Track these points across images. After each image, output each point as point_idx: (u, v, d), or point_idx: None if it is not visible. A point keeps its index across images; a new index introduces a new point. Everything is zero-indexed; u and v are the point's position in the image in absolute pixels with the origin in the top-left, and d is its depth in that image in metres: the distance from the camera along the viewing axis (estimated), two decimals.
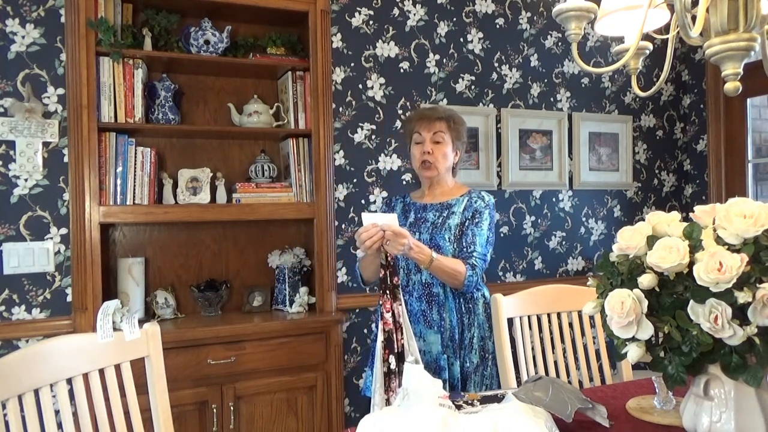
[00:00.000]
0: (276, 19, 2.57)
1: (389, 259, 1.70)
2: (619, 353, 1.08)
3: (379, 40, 2.88)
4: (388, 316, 1.63)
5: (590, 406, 1.27)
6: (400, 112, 2.91)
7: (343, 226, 2.79)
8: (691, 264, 1.00)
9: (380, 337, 1.63)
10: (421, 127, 1.99)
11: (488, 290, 2.01)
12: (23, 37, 2.27)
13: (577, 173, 3.34)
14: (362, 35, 2.85)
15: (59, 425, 1.25)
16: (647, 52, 1.39)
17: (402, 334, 1.63)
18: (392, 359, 1.60)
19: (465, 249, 1.88)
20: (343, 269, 2.77)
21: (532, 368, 1.80)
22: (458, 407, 1.28)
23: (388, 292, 1.66)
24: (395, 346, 1.61)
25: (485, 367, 1.93)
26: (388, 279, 1.68)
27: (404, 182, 2.90)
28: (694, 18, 1.09)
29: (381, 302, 1.67)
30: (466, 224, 1.92)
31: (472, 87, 3.08)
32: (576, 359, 1.87)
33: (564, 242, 3.31)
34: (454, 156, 2.02)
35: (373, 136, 2.86)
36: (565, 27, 1.23)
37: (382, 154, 2.88)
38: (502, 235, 3.15)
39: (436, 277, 1.86)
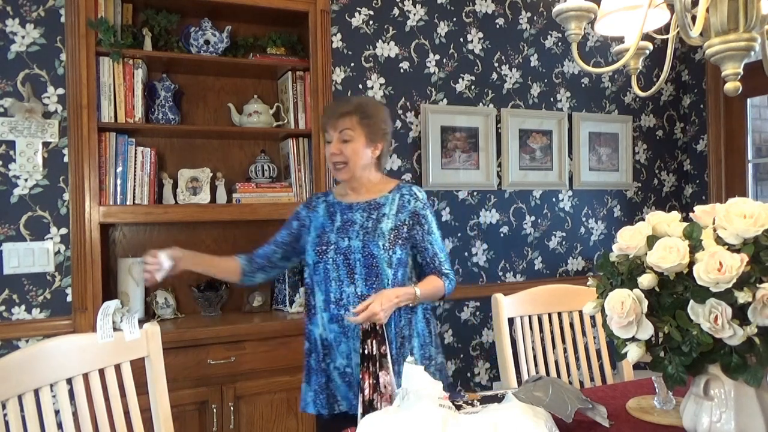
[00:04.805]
0: (276, 19, 2.57)
1: (377, 327, 1.60)
2: (619, 353, 1.08)
3: (379, 40, 2.88)
4: (366, 391, 1.56)
5: (590, 406, 1.27)
6: (400, 112, 2.91)
7: None
8: (691, 264, 1.00)
9: (360, 409, 1.54)
10: (328, 124, 1.79)
11: None
12: (23, 37, 2.27)
13: (577, 173, 3.34)
14: (362, 35, 2.84)
15: (59, 425, 1.25)
16: (647, 52, 1.39)
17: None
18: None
19: (431, 263, 1.78)
20: None
21: (533, 368, 1.80)
22: (458, 407, 1.28)
23: (369, 363, 1.57)
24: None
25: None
26: (375, 349, 1.58)
27: (404, 182, 2.89)
28: (694, 18, 1.09)
29: (360, 376, 1.57)
30: (416, 235, 1.77)
31: (472, 87, 3.08)
32: (576, 359, 1.87)
33: (564, 242, 3.31)
34: (371, 150, 1.79)
35: None
36: (565, 27, 1.23)
37: None
38: (502, 235, 3.15)
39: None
